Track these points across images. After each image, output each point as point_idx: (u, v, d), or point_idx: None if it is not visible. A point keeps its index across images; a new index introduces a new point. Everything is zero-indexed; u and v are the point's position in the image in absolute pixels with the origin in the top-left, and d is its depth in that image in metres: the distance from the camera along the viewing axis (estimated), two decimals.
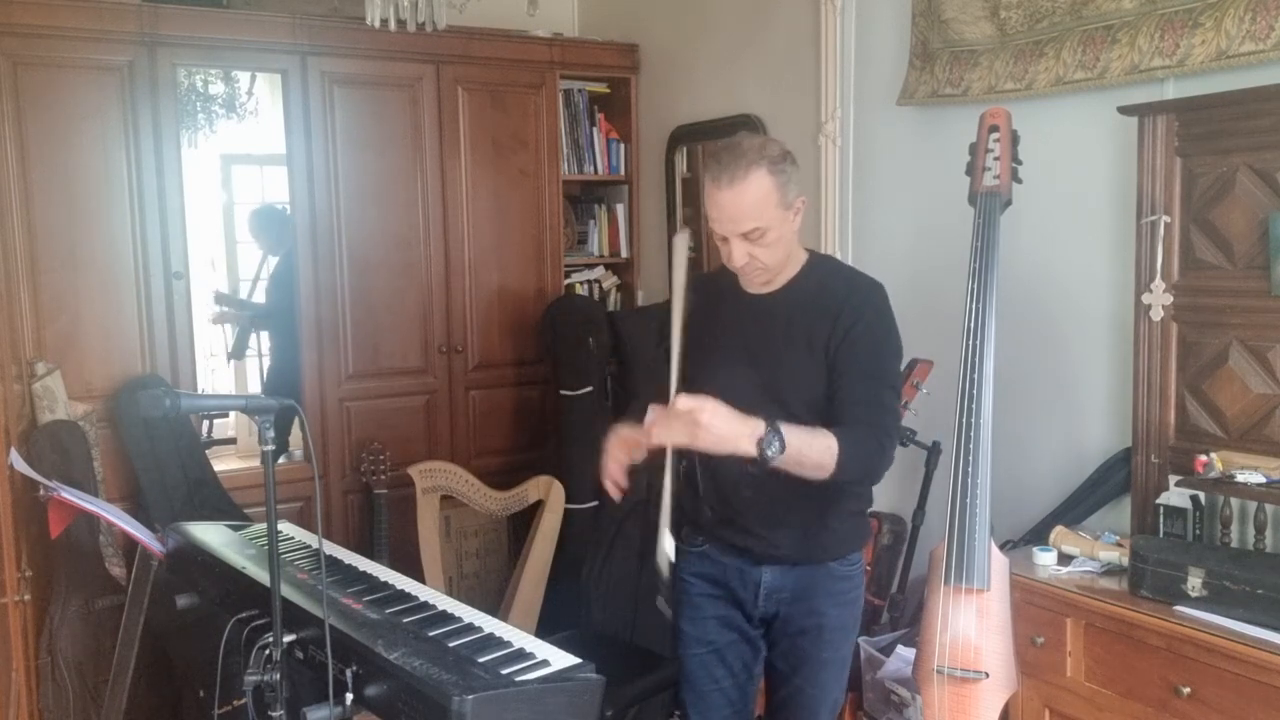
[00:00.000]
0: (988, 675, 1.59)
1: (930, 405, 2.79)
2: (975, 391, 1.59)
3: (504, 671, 1.60)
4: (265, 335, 4.63)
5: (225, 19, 3.53)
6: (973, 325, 1.62)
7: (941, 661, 1.60)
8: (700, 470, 2.13)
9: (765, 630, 2.17)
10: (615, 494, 1.94)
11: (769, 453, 1.74)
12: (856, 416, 1.87)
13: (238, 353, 4.66)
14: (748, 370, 2.03)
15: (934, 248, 3.00)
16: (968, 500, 1.56)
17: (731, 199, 1.90)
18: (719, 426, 1.72)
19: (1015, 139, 1.69)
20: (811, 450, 1.80)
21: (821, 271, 2.08)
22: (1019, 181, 1.69)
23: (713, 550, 2.15)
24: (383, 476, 3.67)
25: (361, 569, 2.15)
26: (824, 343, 1.96)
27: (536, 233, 4.16)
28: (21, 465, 2.66)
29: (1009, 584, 1.64)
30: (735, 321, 2.09)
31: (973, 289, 1.60)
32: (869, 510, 2.18)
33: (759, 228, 1.92)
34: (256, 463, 3.80)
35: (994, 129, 1.70)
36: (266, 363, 4.68)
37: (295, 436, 4.15)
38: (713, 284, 2.18)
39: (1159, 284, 2.33)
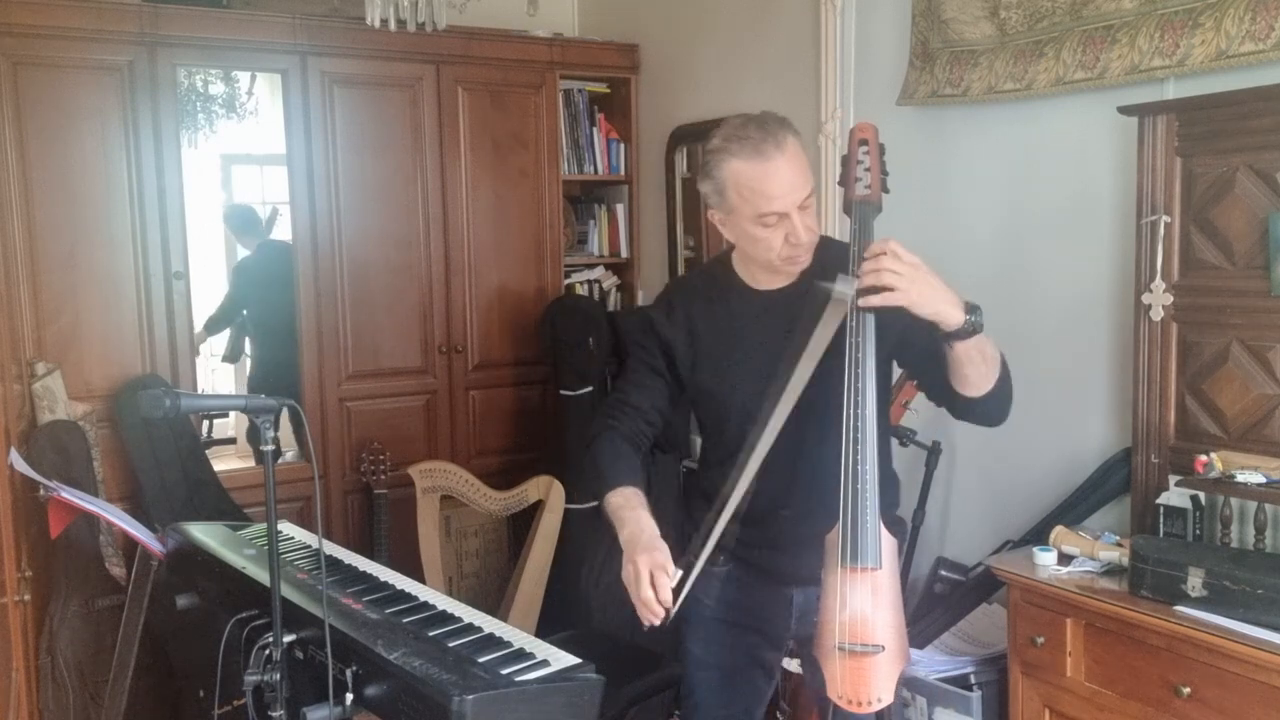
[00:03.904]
0: (883, 648, 1.68)
1: (931, 405, 2.79)
2: (860, 384, 1.68)
3: (504, 671, 1.59)
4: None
5: (225, 19, 3.53)
6: (854, 323, 1.70)
7: (841, 639, 1.68)
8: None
9: (797, 648, 2.09)
10: (653, 619, 1.69)
11: (975, 319, 1.64)
12: None
13: (233, 355, 4.69)
14: (771, 376, 1.90)
15: (932, 247, 2.99)
16: (857, 486, 1.67)
17: (785, 165, 1.77)
18: (935, 277, 1.62)
19: (882, 150, 1.80)
20: (988, 341, 1.69)
21: (828, 255, 1.92)
22: (887, 191, 1.81)
23: (737, 571, 2.02)
24: (383, 476, 3.67)
25: (361, 569, 2.15)
26: (881, 327, 1.77)
27: (536, 233, 4.16)
28: (21, 465, 2.66)
29: (896, 561, 1.76)
30: (749, 322, 1.95)
31: (864, 270, 1.67)
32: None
33: (812, 190, 1.82)
34: (256, 463, 3.82)
35: (863, 142, 1.79)
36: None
37: (292, 435, 4.15)
38: (713, 281, 2.03)
39: (1159, 284, 2.33)
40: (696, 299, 2.02)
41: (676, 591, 1.68)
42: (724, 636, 2.05)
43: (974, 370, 1.72)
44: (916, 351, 1.85)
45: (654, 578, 1.66)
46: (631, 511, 1.80)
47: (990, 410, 1.82)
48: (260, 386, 4.48)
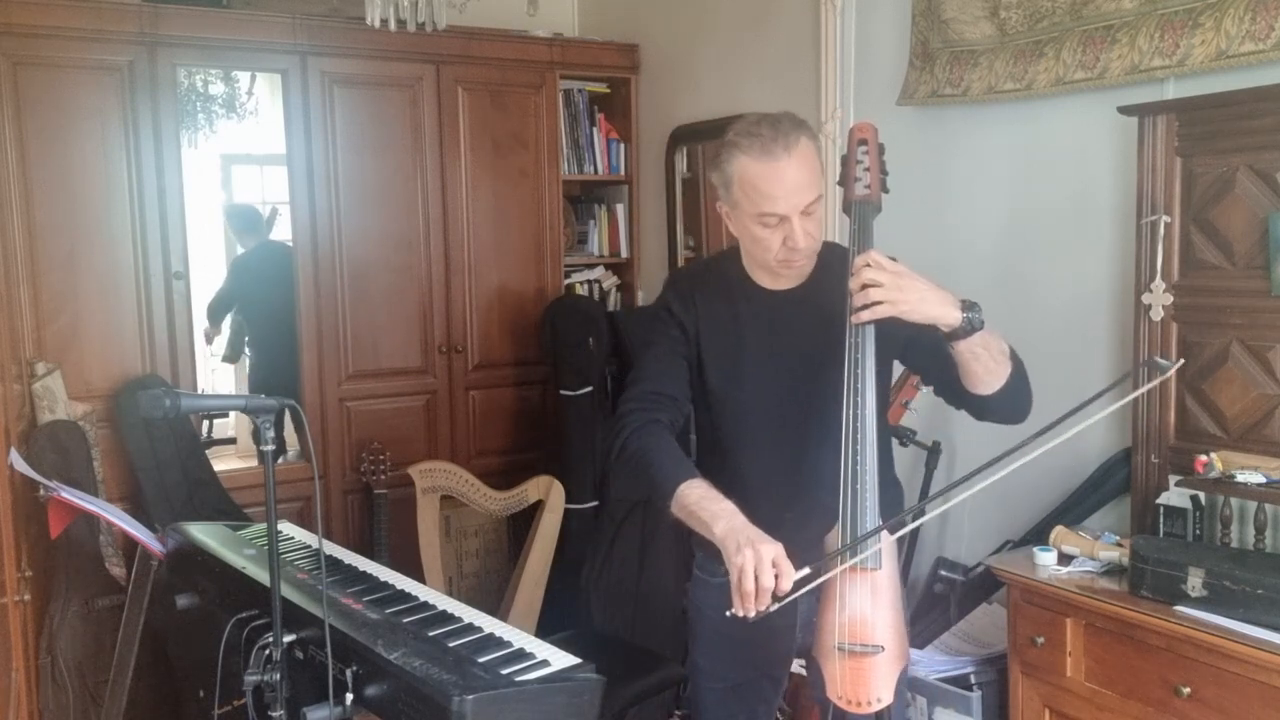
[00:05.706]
0: (883, 649, 1.68)
1: (930, 405, 2.79)
2: (859, 385, 1.69)
3: (504, 671, 1.60)
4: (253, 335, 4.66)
5: (225, 19, 3.53)
6: (852, 326, 1.71)
7: (841, 639, 1.68)
8: (732, 489, 1.83)
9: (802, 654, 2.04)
10: (751, 610, 1.60)
11: (973, 315, 1.63)
12: None
13: (233, 355, 4.69)
14: (783, 379, 1.89)
15: (932, 248, 3.00)
16: (857, 487, 1.68)
17: (791, 168, 1.74)
18: (923, 282, 1.62)
19: (881, 150, 1.80)
20: (994, 335, 1.68)
21: (832, 257, 1.90)
22: (887, 191, 1.81)
23: None
24: (383, 476, 3.67)
25: (361, 569, 2.15)
26: (884, 333, 1.76)
27: (536, 233, 4.16)
28: (21, 465, 2.66)
29: (896, 561, 1.76)
30: (758, 323, 1.91)
31: (852, 289, 1.68)
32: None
33: (819, 196, 1.78)
34: (256, 462, 3.82)
35: (863, 142, 1.79)
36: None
37: (292, 436, 4.16)
38: (722, 275, 1.97)
39: (1159, 284, 2.33)
40: (704, 290, 1.96)
41: (796, 586, 1.60)
42: (731, 652, 2.00)
43: (981, 367, 1.71)
44: (925, 352, 1.82)
45: (777, 566, 1.59)
46: (720, 504, 1.71)
47: (1008, 407, 1.80)
48: (259, 387, 4.48)
